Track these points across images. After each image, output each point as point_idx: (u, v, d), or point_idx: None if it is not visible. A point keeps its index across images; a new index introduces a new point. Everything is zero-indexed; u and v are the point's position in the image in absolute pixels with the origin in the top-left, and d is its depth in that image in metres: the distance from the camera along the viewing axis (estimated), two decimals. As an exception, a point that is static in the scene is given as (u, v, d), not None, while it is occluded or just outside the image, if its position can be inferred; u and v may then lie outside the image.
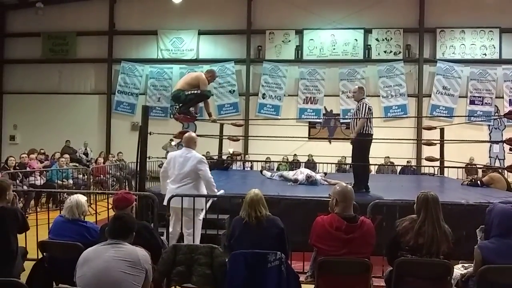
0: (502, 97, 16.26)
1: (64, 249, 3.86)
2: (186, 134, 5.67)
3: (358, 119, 6.96)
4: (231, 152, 11.32)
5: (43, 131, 17.59)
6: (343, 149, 15.20)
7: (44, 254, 4.04)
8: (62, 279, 3.81)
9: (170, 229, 5.37)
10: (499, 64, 16.32)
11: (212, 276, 3.67)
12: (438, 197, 3.67)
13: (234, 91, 17.35)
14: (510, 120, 13.57)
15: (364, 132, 6.95)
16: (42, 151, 14.16)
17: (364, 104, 6.98)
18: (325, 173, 9.92)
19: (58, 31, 18.18)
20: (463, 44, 16.50)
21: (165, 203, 5.31)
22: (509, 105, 15.84)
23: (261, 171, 10.54)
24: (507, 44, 16.28)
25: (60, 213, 4.33)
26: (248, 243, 3.70)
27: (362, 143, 7.00)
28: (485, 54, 16.39)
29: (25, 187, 9.60)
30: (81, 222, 4.07)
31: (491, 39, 16.32)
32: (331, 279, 3.56)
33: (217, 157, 12.06)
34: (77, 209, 4.05)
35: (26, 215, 5.80)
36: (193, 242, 5.02)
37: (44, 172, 10.76)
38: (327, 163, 12.75)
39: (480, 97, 16.35)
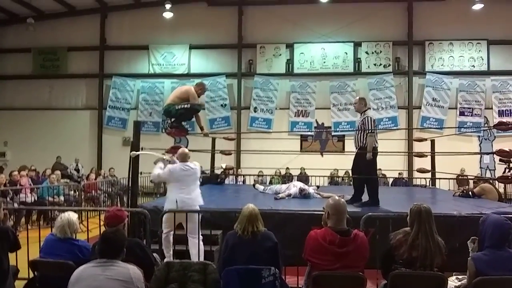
0: (491, 108, 16.43)
1: (56, 268, 3.81)
2: (180, 151, 5.87)
3: (364, 133, 6.94)
4: (223, 167, 11.28)
5: (34, 147, 17.44)
6: (335, 162, 15.34)
7: (36, 273, 3.98)
8: (54, 299, 3.76)
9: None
10: (487, 76, 16.52)
11: (206, 293, 3.64)
12: (431, 209, 3.68)
13: (225, 105, 17.38)
14: (500, 131, 13.70)
15: (365, 145, 6.95)
16: (33, 167, 14.03)
17: (369, 118, 6.97)
18: (318, 186, 9.92)
19: (49, 47, 18.19)
20: (451, 56, 16.71)
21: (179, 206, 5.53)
22: (498, 116, 16.02)
23: (253, 185, 10.52)
24: (495, 55, 16.51)
25: (51, 230, 4.27)
26: (242, 257, 3.68)
27: (370, 158, 6.96)
28: (474, 66, 16.60)
29: (15, 205, 9.49)
30: (72, 241, 4.02)
31: (479, 51, 16.54)
32: (325, 293, 3.54)
33: (209, 171, 12.03)
34: (68, 228, 4.01)
35: (17, 233, 5.74)
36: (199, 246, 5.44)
37: (35, 189, 10.66)
38: (319, 176, 12.76)
39: (469, 108, 16.52)
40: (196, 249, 5.45)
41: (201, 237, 5.57)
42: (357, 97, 7.64)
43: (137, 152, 6.55)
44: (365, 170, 7.08)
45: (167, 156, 6.29)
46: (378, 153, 7.16)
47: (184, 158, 5.75)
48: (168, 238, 5.62)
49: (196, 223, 5.49)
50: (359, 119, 7.23)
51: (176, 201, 5.52)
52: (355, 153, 7.26)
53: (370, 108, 7.31)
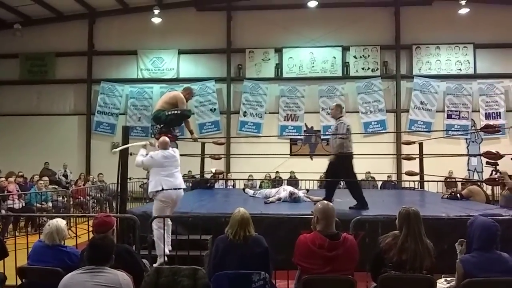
0: (478, 111, 16.63)
1: (44, 275, 3.77)
2: (161, 139, 6.10)
3: (336, 137, 7.04)
4: (213, 171, 11.25)
5: (22, 153, 17.26)
6: (325, 166, 15.34)
7: (23, 280, 3.94)
8: (42, 306, 3.72)
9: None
10: (474, 79, 16.73)
11: (196, 298, 3.62)
12: (419, 212, 3.70)
13: (215, 109, 17.37)
14: (487, 134, 13.83)
15: (344, 151, 7.00)
16: (20, 173, 13.88)
17: (342, 124, 7.06)
18: (307, 190, 9.93)
19: (36, 52, 18.07)
20: (438, 60, 16.88)
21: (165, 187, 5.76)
22: (485, 119, 16.20)
23: (243, 189, 10.50)
24: (481, 59, 16.72)
25: (39, 237, 4.23)
26: (233, 262, 3.67)
27: (343, 163, 7.04)
28: (460, 70, 16.79)
29: (3, 211, 9.39)
30: (61, 247, 3.97)
31: (466, 54, 16.74)
32: (315, 297, 3.55)
33: (199, 176, 11.99)
34: (57, 235, 3.96)
35: (5, 240, 5.67)
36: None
37: (23, 195, 10.54)
38: (309, 179, 12.78)
39: (456, 111, 16.69)
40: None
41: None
42: (334, 104, 7.73)
43: (118, 148, 6.59)
44: (343, 175, 7.19)
45: (152, 140, 6.41)
46: (365, 157, 7.23)
47: (165, 146, 5.97)
48: (161, 232, 5.55)
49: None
50: (334, 125, 7.29)
51: (161, 183, 5.74)
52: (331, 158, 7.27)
53: (345, 116, 7.41)
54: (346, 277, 3.50)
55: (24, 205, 10.22)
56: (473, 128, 16.11)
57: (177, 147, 6.92)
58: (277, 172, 15.51)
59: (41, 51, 18.02)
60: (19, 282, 4.04)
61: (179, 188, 5.88)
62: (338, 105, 7.58)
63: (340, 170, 7.12)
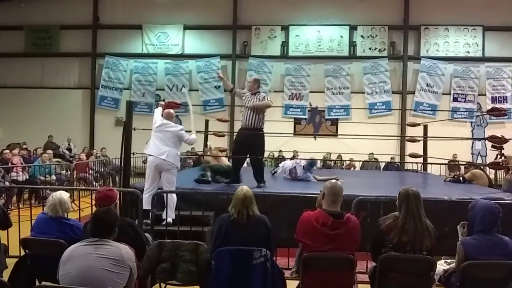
0: (485, 95, 16.48)
1: (47, 246, 3.81)
2: (166, 110, 6.24)
3: (253, 112, 6.81)
4: (210, 144, 11.06)
5: (26, 126, 17.31)
6: (329, 145, 15.37)
7: (27, 251, 3.99)
8: (45, 277, 3.77)
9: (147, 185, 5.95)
10: (482, 62, 16.53)
11: (197, 273, 3.66)
12: (419, 192, 3.70)
13: (219, 86, 17.26)
14: (492, 117, 13.75)
15: (258, 126, 6.90)
16: (24, 146, 13.95)
17: (263, 95, 7.01)
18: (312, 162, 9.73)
19: (41, 25, 17.90)
20: (446, 42, 16.68)
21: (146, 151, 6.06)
22: (491, 102, 16.07)
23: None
24: (490, 42, 16.50)
25: (42, 209, 4.26)
26: (236, 242, 3.66)
27: (262, 139, 6.97)
28: (468, 52, 16.59)
29: (7, 183, 9.46)
30: (64, 220, 4.00)
31: (475, 37, 16.51)
32: (315, 275, 3.58)
33: (201, 153, 12.00)
34: (60, 207, 3.99)
35: (8, 212, 5.73)
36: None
37: (27, 168, 10.61)
38: (312, 159, 12.75)
39: (463, 94, 16.56)
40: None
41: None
42: (252, 77, 7.54)
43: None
44: (255, 151, 6.96)
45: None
46: (368, 137, 7.14)
47: (167, 116, 6.13)
48: (148, 198, 5.73)
49: (169, 177, 5.91)
50: (251, 99, 6.90)
51: (148, 147, 6.01)
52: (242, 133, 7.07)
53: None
54: (346, 256, 3.52)
55: (28, 177, 10.30)
56: (479, 111, 16.01)
57: (180, 123, 6.93)
58: (280, 151, 15.49)
59: (46, 23, 17.87)
60: (22, 253, 4.09)
61: (159, 158, 5.84)
62: (257, 79, 7.44)
63: (253, 145, 6.93)
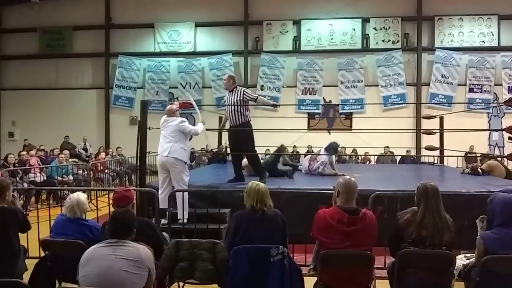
0: (501, 85, 16.24)
1: (66, 247, 3.84)
2: (168, 107, 6.32)
3: (240, 108, 6.78)
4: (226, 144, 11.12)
5: (42, 127, 17.57)
6: (343, 139, 15.23)
7: (46, 252, 4.03)
8: (65, 278, 3.82)
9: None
10: (497, 52, 16.29)
11: (215, 272, 3.67)
12: (437, 187, 3.65)
13: (232, 83, 17.22)
14: (509, 108, 13.55)
15: (245, 121, 6.85)
16: (41, 147, 14.11)
17: (243, 90, 6.89)
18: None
19: (54, 26, 18.10)
20: (461, 32, 16.44)
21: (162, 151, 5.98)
22: (508, 92, 15.83)
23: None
24: (506, 31, 16.22)
25: (61, 209, 4.31)
26: (252, 237, 3.66)
27: (250, 133, 6.94)
28: (484, 42, 16.34)
29: (25, 185, 9.58)
30: (82, 221, 4.04)
31: (490, 26, 16.25)
32: (333, 271, 3.55)
33: (216, 150, 12.04)
34: (78, 208, 4.03)
35: (27, 213, 5.82)
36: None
37: (44, 168, 10.73)
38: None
39: (479, 84, 16.33)
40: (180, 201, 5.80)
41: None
42: (227, 75, 7.37)
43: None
44: (245, 146, 6.94)
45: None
46: (384, 131, 7.06)
47: (168, 113, 6.16)
48: (164, 198, 5.77)
49: (176, 176, 5.88)
50: (230, 97, 6.88)
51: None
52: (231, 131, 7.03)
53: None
54: (364, 252, 3.49)
55: (45, 178, 10.41)
56: (495, 102, 15.78)
57: (194, 121, 6.93)
58: (294, 146, 15.45)
59: (58, 25, 18.06)
60: (42, 254, 4.14)
61: (162, 156, 5.88)
62: (231, 76, 7.32)
63: (242, 141, 6.92)
